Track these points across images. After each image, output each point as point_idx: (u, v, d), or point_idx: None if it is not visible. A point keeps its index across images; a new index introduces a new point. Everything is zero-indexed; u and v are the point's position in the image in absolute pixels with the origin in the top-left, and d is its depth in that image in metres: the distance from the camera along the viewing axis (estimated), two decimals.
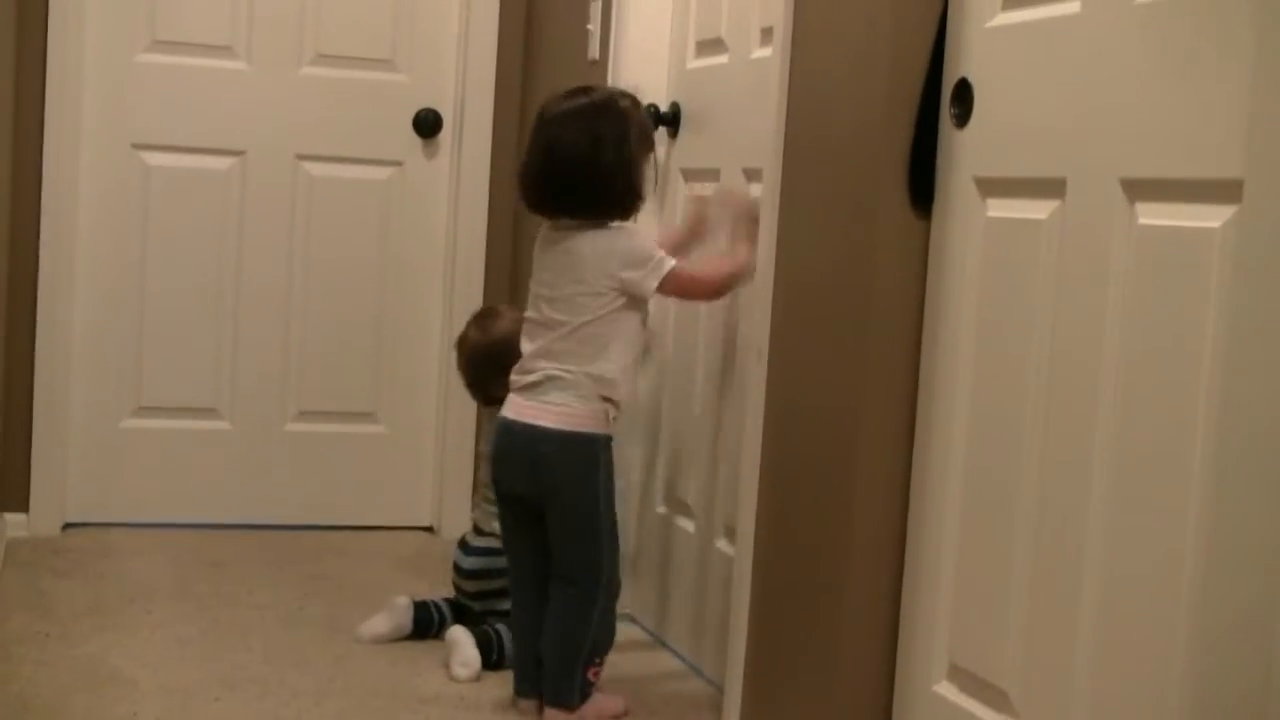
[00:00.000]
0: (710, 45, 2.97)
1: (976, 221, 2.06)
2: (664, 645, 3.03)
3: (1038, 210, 1.93)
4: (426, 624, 2.95)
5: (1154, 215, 1.73)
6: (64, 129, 3.51)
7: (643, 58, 3.14)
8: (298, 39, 3.72)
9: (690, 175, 3.03)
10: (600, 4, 3.27)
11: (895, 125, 2.14)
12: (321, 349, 3.79)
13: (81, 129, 3.55)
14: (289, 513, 3.79)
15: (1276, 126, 1.55)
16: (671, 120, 3.07)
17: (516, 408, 2.50)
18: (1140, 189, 1.75)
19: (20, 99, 3.46)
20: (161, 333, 3.68)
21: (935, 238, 2.15)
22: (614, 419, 2.49)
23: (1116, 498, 1.77)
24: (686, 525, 2.95)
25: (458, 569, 2.98)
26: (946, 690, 2.10)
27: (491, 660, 2.77)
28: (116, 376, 3.67)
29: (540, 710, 2.53)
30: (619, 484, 2.58)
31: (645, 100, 2.76)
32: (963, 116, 2.08)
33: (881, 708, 2.22)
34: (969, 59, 2.08)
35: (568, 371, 2.45)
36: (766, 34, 2.63)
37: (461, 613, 2.96)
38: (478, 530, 2.99)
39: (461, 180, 3.79)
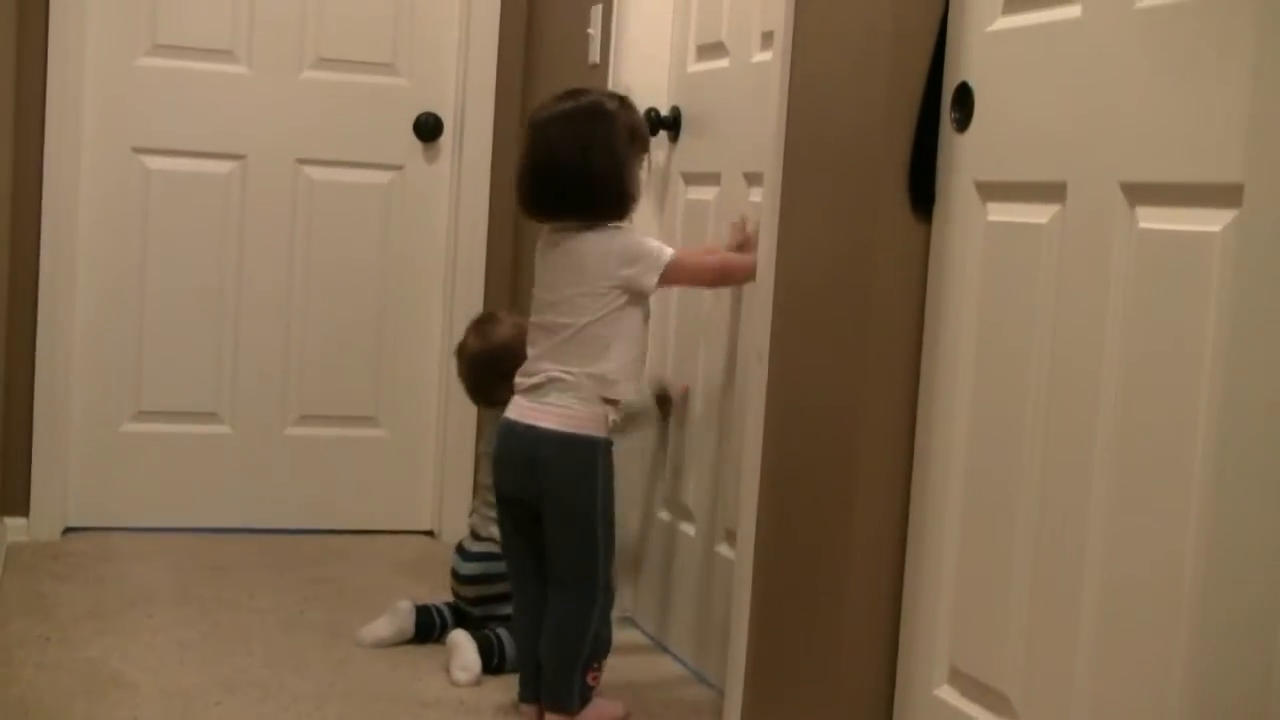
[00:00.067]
0: (711, 49, 2.96)
1: (977, 225, 2.06)
2: (665, 650, 3.02)
3: (1038, 214, 1.93)
4: (428, 628, 2.95)
5: (1154, 219, 1.73)
6: (65, 133, 3.51)
7: (643, 62, 3.14)
8: (298, 43, 3.72)
9: (691, 179, 3.02)
10: (601, 8, 3.27)
11: (896, 129, 2.14)
12: (322, 353, 3.79)
13: (82, 133, 3.55)
14: (289, 517, 3.79)
15: (1277, 131, 1.55)
16: (672, 124, 3.07)
17: (519, 409, 2.50)
18: (1141, 193, 1.75)
19: (21, 102, 3.46)
20: (162, 337, 3.68)
21: (936, 241, 2.15)
22: (613, 421, 2.49)
23: (1117, 501, 1.77)
24: (688, 530, 2.95)
25: (456, 575, 2.97)
26: (947, 694, 2.10)
27: (492, 664, 2.77)
28: (117, 380, 3.66)
29: (541, 715, 2.53)
30: (618, 484, 2.58)
31: (643, 104, 2.75)
32: (963, 120, 2.08)
33: (882, 712, 2.22)
34: (970, 63, 2.08)
35: (569, 373, 2.45)
36: (767, 38, 2.62)
37: (463, 617, 2.95)
38: (475, 535, 2.98)
39: (462, 184, 3.79)
